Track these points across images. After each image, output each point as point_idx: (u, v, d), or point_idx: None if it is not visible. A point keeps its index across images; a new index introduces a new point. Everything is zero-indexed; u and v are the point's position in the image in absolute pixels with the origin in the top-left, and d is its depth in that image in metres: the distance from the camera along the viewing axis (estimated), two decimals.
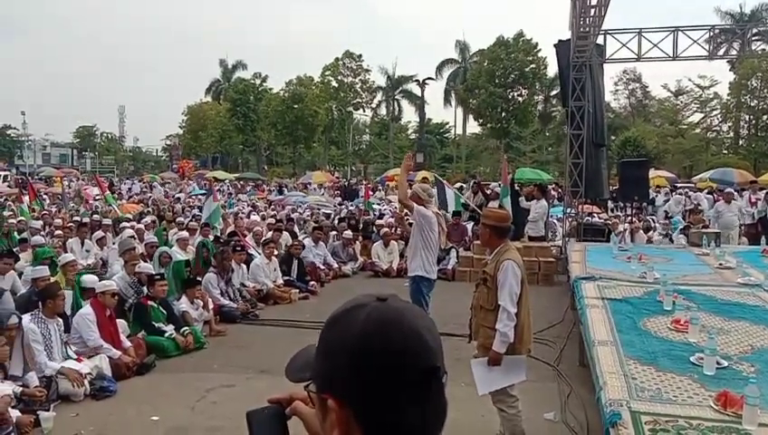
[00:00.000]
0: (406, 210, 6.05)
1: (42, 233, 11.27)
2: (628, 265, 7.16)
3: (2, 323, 5.10)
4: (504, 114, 44.17)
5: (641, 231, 12.20)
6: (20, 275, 8.32)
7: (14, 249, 9.80)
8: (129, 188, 25.76)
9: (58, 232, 11.52)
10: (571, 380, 5.81)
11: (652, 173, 20.84)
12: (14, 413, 4.64)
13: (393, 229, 12.64)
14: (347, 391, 0.86)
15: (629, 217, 13.68)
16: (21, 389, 5.02)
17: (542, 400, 5.30)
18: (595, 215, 14.38)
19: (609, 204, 18.36)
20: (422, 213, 6.01)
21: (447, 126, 59.26)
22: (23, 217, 13.05)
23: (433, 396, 0.87)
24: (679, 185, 26.08)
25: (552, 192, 18.86)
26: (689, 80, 42.44)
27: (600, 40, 11.64)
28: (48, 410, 5.02)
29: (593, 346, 4.15)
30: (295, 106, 47.37)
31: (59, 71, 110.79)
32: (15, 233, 11.48)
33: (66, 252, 9.58)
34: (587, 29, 10.60)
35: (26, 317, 5.58)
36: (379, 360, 0.85)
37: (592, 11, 10.14)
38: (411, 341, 0.87)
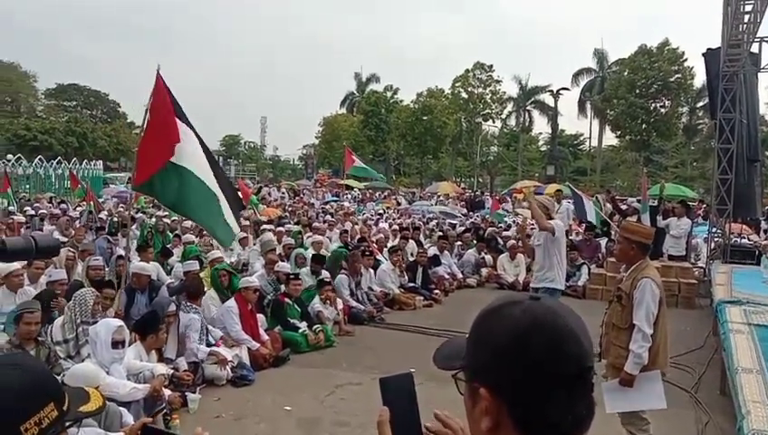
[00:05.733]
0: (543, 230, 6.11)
1: (192, 232, 12.27)
2: None
3: (163, 311, 5.70)
4: (644, 126, 41.93)
5: None
6: (171, 269, 9.22)
7: (168, 246, 10.80)
8: (269, 193, 27.37)
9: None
10: (710, 408, 5.44)
11: None
12: (167, 392, 5.14)
13: (519, 241, 12.46)
14: (500, 383, 0.91)
15: None
16: (172, 371, 5.56)
17: (677, 427, 5.02)
18: (744, 236, 13.29)
19: (762, 224, 16.87)
20: (559, 227, 6.07)
21: (581, 137, 57.23)
22: (175, 217, 14.24)
23: (583, 395, 0.91)
24: None
25: (697, 210, 17.63)
26: None
27: (754, 48, 10.78)
28: (194, 393, 5.51)
29: (736, 373, 3.91)
30: (425, 117, 47.97)
31: (207, 85, 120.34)
32: (169, 232, 12.60)
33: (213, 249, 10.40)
34: (740, 37, 9.87)
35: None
36: (534, 356, 0.89)
37: (746, 17, 9.44)
38: (566, 340, 0.90)
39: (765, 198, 18.51)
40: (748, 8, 9.32)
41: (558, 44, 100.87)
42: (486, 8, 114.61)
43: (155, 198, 8.19)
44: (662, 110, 41.93)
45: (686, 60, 40.25)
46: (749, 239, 13.23)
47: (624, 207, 14.46)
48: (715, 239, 11.80)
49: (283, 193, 29.47)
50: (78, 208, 16.59)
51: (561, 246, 6.08)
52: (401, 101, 52.89)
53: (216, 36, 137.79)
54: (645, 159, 42.14)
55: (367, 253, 10.05)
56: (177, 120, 5.91)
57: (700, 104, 42.10)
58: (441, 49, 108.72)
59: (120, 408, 4.40)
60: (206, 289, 7.10)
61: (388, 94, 53.48)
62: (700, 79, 38.08)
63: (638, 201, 13.23)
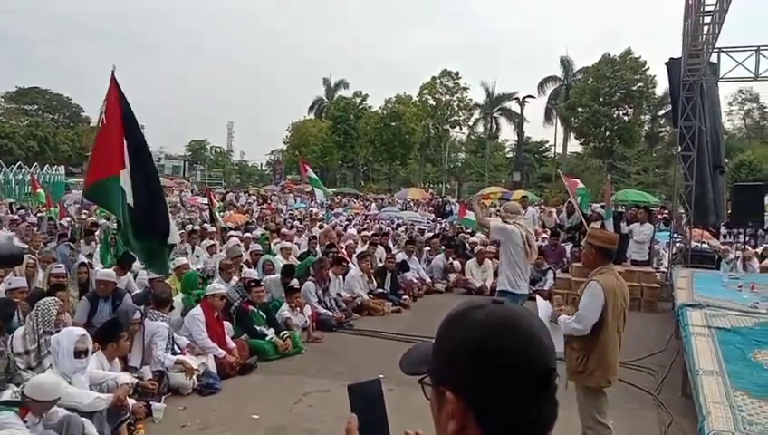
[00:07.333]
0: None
1: None
2: (739, 295, 6.80)
3: (127, 319, 5.58)
4: (608, 133, 42.80)
5: (755, 259, 11.43)
6: (135, 275, 9.02)
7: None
8: (236, 197, 27.14)
9: None
10: (673, 410, 5.55)
11: None
12: (131, 402, 5.03)
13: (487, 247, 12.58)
14: (465, 386, 0.92)
15: (742, 244, 12.84)
16: (137, 380, 5.45)
17: (640, 428, 5.11)
18: (704, 241, 13.63)
19: (722, 230, 17.34)
20: (499, 228, 6.14)
21: (547, 144, 58.05)
22: None
23: (547, 396, 0.92)
24: None
25: (658, 216, 18.03)
26: None
27: (713, 58, 11.09)
28: (159, 402, 5.40)
29: (697, 375, 4.00)
30: (393, 124, 48.19)
31: (173, 88, 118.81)
32: None
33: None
34: (699, 47, 10.15)
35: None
36: (499, 359, 0.90)
37: (705, 28, 9.70)
38: (530, 343, 0.92)
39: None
40: (707, 20, 9.58)
41: (525, 52, 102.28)
42: (455, 16, 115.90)
43: (104, 207, 7.99)
44: (625, 117, 42.84)
45: (647, 69, 41.30)
46: (709, 244, 13.57)
47: (590, 213, 14.69)
48: (677, 244, 12.09)
49: (252, 198, 29.21)
50: (38, 214, 16.18)
51: (511, 251, 6.10)
52: (370, 107, 53.06)
53: (181, 39, 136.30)
54: (608, 165, 42.96)
55: (344, 262, 10.02)
56: (126, 142, 5.76)
57: (662, 112, 43.23)
58: (410, 56, 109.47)
59: (83, 419, 4.29)
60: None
61: (357, 100, 53.57)
62: (661, 87, 39.20)
63: (602, 207, 13.48)
